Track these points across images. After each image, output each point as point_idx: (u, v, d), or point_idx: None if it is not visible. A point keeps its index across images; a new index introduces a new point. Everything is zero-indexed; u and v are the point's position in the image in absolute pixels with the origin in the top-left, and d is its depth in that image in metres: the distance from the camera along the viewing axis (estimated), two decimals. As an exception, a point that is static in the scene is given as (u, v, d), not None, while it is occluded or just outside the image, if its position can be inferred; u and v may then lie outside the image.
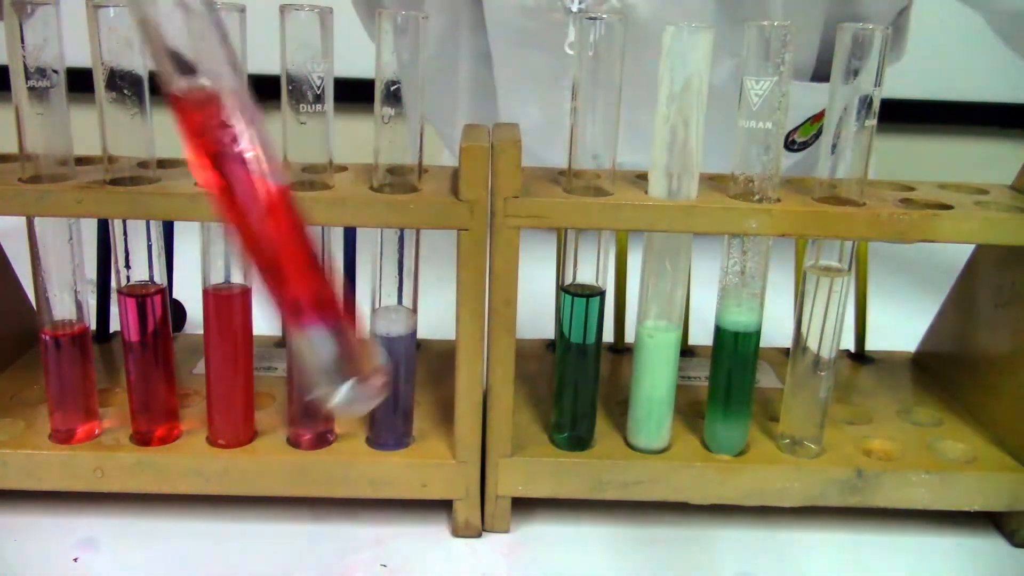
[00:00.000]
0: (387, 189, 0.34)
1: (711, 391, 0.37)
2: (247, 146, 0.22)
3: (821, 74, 0.74)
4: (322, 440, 0.36)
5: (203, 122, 0.22)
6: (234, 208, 0.22)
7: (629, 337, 0.44)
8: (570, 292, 0.35)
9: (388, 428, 0.36)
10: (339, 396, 0.22)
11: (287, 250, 0.22)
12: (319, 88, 0.32)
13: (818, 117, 0.75)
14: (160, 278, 0.35)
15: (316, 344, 0.22)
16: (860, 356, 0.47)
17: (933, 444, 0.38)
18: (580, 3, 0.65)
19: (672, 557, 0.35)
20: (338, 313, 0.22)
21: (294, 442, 0.36)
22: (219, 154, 0.22)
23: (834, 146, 0.34)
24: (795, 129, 0.74)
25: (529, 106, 0.72)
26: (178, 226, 0.44)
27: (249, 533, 0.35)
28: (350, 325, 0.23)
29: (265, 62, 0.46)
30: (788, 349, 0.37)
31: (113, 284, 0.35)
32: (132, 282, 0.34)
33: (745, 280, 0.35)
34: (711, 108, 0.32)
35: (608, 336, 0.42)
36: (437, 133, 0.86)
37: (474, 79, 0.76)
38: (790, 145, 0.74)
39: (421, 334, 0.37)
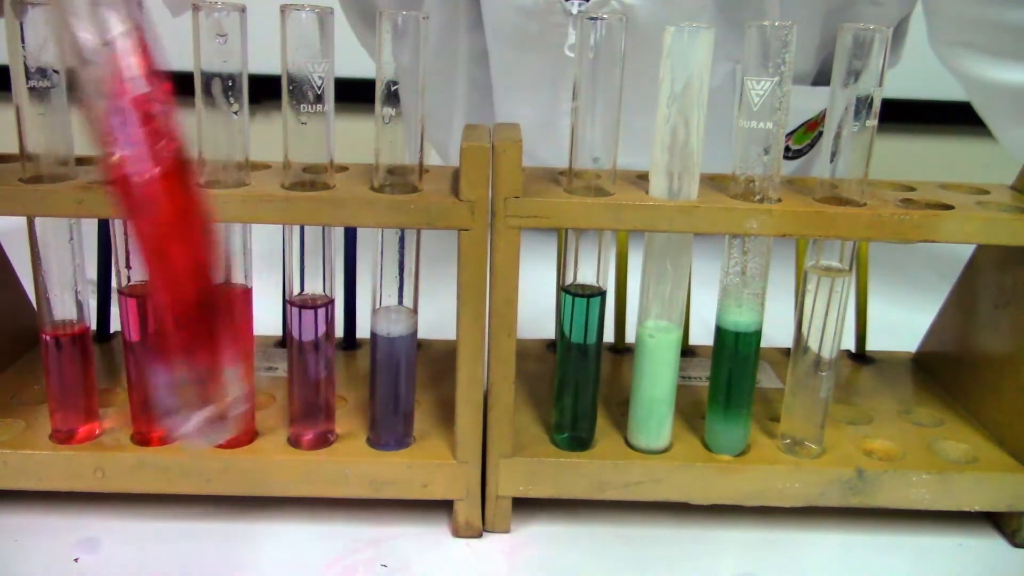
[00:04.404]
0: (388, 189, 0.33)
1: (711, 391, 0.37)
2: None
3: (821, 81, 0.74)
4: (322, 440, 0.36)
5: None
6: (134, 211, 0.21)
7: (630, 337, 0.44)
8: (571, 292, 0.35)
9: (388, 428, 0.36)
10: (187, 427, 0.22)
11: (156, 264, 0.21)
12: (319, 88, 0.32)
13: (813, 125, 0.75)
14: (160, 278, 0.35)
15: (163, 375, 0.21)
16: (861, 356, 0.47)
17: (934, 444, 0.38)
18: (580, 5, 0.65)
19: (672, 557, 0.35)
20: (195, 340, 0.21)
21: (294, 442, 0.36)
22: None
23: (834, 147, 0.34)
24: (790, 135, 0.74)
25: (526, 107, 0.72)
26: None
27: (249, 533, 0.35)
28: (207, 353, 0.22)
29: (265, 62, 0.46)
30: (789, 349, 0.37)
31: (114, 284, 0.35)
32: (133, 282, 0.34)
33: (746, 280, 0.35)
34: (707, 111, 0.32)
35: (608, 336, 0.42)
36: (427, 139, 0.85)
37: (471, 79, 0.76)
38: (784, 152, 0.74)
39: (422, 334, 0.37)
